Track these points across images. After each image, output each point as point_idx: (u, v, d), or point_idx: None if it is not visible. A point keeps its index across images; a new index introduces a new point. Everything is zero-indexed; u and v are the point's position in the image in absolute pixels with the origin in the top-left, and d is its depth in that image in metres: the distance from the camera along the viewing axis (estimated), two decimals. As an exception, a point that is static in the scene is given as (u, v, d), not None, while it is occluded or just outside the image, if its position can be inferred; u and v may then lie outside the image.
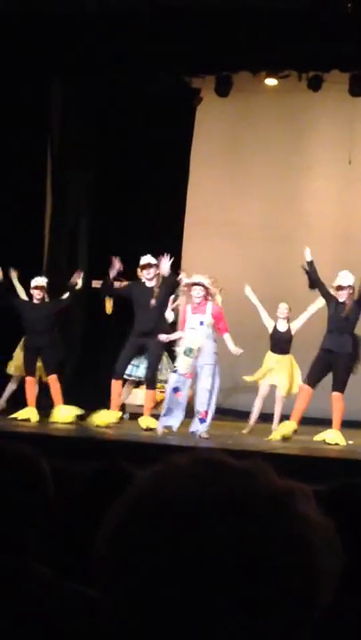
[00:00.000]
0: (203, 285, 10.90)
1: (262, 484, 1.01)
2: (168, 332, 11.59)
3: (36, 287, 12.05)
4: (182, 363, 10.84)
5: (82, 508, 2.48)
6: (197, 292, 10.88)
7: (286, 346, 11.92)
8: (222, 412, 12.91)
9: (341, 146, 14.69)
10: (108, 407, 11.52)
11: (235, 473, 1.02)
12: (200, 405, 10.85)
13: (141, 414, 11.79)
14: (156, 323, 11.36)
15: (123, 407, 12.23)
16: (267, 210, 15.20)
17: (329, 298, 11.07)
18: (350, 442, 10.90)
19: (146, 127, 14.57)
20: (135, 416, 12.07)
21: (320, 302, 11.33)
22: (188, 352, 10.78)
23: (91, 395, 12.96)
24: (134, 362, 11.75)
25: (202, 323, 10.86)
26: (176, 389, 10.82)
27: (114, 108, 14.65)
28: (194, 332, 10.83)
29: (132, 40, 12.88)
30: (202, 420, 10.88)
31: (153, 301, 11.30)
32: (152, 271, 11.38)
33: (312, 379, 11.08)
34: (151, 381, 11.53)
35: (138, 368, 11.75)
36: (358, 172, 14.76)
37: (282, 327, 11.91)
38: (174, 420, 10.91)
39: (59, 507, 2.79)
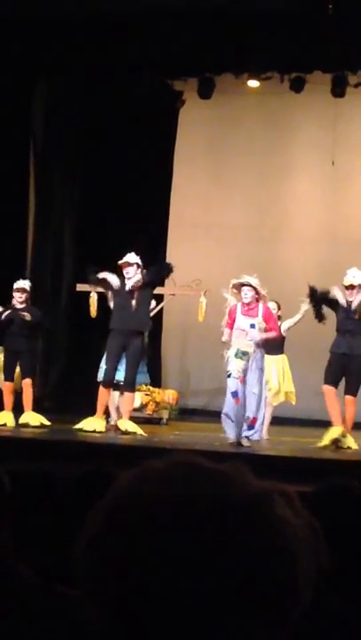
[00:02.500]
0: (251, 286, 10.38)
1: (238, 487, 1.02)
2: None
3: (18, 290, 11.71)
4: (235, 366, 10.22)
5: (68, 512, 2.49)
6: (246, 293, 10.33)
7: (279, 346, 11.62)
8: (209, 415, 12.91)
9: (324, 147, 14.72)
10: (94, 413, 11.31)
11: (210, 476, 1.03)
12: (249, 411, 10.17)
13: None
14: (138, 323, 11.06)
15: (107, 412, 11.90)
16: (251, 211, 15.22)
17: (336, 304, 10.67)
18: None
19: (129, 129, 14.57)
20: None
21: (307, 305, 11.04)
22: (242, 355, 10.22)
23: (77, 400, 12.89)
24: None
25: (253, 325, 10.28)
26: (235, 394, 10.15)
27: (97, 109, 14.64)
28: (244, 334, 10.25)
29: (114, 42, 12.88)
30: (250, 427, 10.18)
31: (134, 302, 10.96)
32: (131, 270, 10.98)
33: (331, 378, 10.64)
34: (130, 384, 11.18)
35: (119, 371, 11.27)
36: (341, 172, 14.81)
37: None
38: (233, 431, 10.16)
39: (47, 509, 2.79)
